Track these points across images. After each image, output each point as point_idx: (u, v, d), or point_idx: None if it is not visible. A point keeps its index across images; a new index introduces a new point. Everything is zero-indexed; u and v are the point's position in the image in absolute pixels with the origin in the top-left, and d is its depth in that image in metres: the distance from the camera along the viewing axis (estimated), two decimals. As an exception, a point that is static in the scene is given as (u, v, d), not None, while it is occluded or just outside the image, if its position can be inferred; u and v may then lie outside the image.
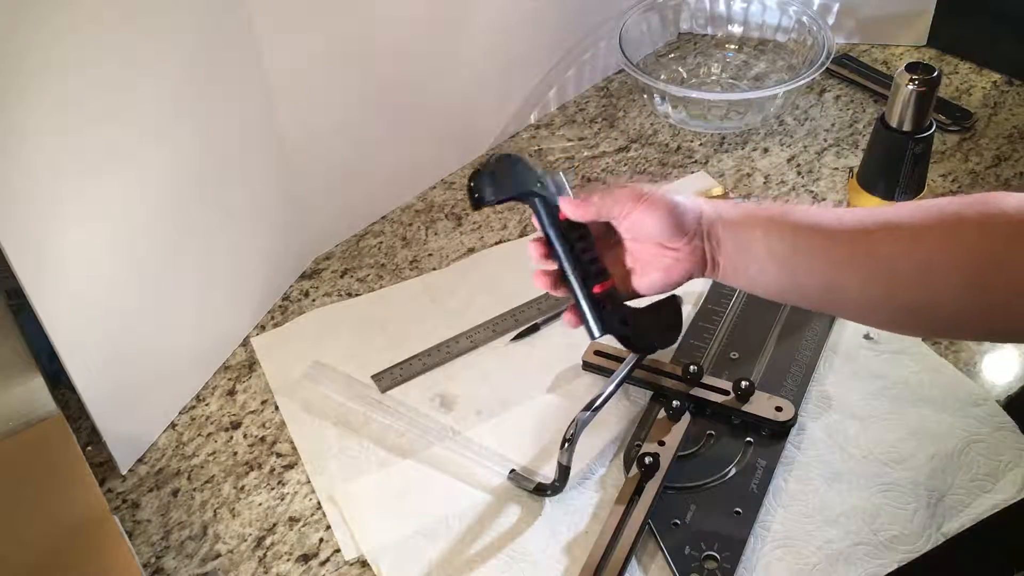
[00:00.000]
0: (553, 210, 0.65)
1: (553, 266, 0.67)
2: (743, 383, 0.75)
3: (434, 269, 0.93)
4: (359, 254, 0.96)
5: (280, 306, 0.91)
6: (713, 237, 0.63)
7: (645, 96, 1.10)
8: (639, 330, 0.67)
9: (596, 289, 0.65)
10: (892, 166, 0.80)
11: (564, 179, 0.67)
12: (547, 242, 0.66)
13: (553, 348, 0.84)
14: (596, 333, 0.66)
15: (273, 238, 0.88)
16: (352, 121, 0.90)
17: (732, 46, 1.18)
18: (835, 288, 0.60)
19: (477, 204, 0.65)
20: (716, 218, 0.63)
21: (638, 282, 0.66)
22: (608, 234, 0.66)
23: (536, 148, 1.07)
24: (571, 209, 0.65)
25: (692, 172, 1.02)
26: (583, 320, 0.66)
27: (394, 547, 0.70)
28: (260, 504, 0.75)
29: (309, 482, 0.76)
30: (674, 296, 0.68)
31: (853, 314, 0.64)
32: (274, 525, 0.73)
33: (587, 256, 0.66)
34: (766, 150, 1.04)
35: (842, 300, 0.61)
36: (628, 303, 0.67)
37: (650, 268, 0.65)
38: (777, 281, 0.62)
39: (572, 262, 0.65)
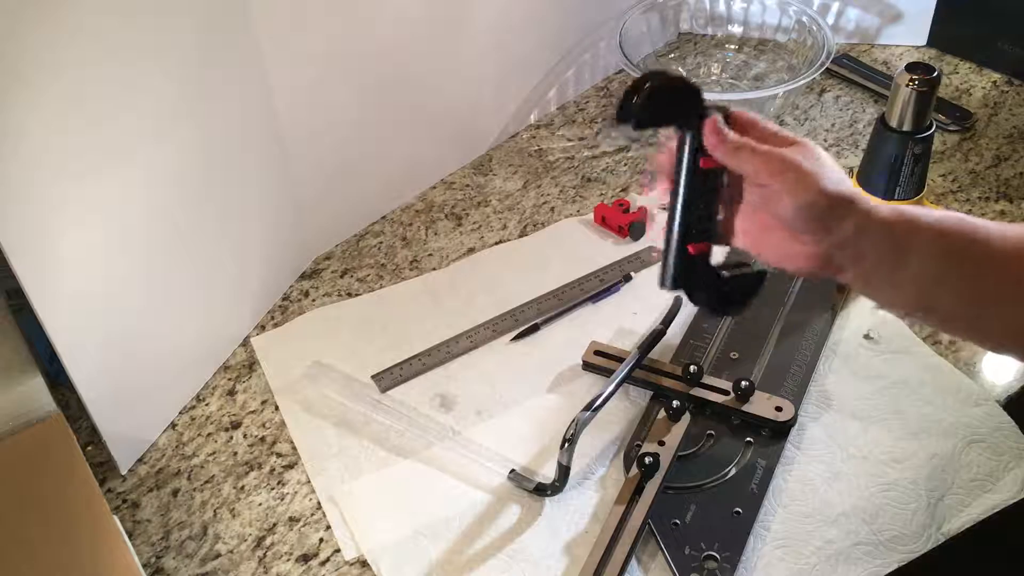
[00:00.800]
0: (697, 149, 0.58)
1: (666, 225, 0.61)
2: (743, 383, 0.75)
3: (434, 269, 0.93)
4: (359, 254, 0.96)
5: (280, 306, 0.91)
6: (855, 246, 0.55)
7: (645, 96, 1.09)
8: (712, 291, 0.62)
9: (691, 249, 0.60)
10: (892, 166, 0.80)
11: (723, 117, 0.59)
12: (675, 175, 0.59)
13: (553, 348, 0.84)
14: (665, 285, 0.61)
15: (273, 238, 0.88)
16: (352, 121, 0.90)
17: (732, 46, 1.18)
18: (975, 313, 0.55)
19: (630, 124, 0.57)
20: (869, 223, 0.54)
21: (758, 253, 0.60)
22: (740, 185, 0.59)
23: (536, 148, 1.07)
24: (717, 145, 0.56)
25: (692, 172, 1.02)
26: (662, 265, 0.61)
27: (394, 547, 0.70)
28: (260, 504, 0.75)
29: (309, 482, 0.76)
30: (760, 274, 0.62)
31: (986, 340, 0.58)
32: (274, 525, 0.73)
33: (702, 211, 0.59)
34: (766, 150, 1.04)
35: (978, 326, 0.57)
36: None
37: (766, 245, 0.58)
38: (914, 300, 0.56)
39: (683, 208, 0.59)
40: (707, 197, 0.60)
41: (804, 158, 0.55)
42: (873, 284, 0.56)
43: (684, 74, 0.58)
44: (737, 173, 0.58)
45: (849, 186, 0.55)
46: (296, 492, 0.75)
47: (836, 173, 0.55)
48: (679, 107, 0.58)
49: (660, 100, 0.57)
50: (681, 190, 0.59)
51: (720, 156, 0.57)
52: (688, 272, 0.61)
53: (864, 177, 0.83)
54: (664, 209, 0.61)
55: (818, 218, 0.54)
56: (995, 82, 1.10)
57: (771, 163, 0.55)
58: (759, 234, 0.59)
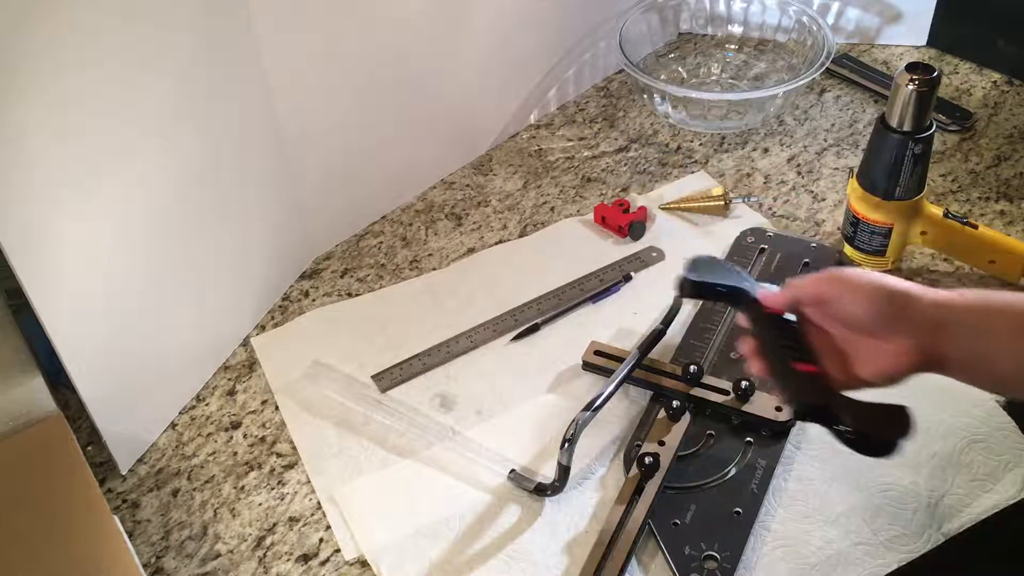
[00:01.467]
0: (758, 306, 0.66)
1: (761, 360, 0.65)
2: (743, 383, 0.75)
3: (434, 269, 0.93)
4: (359, 254, 0.96)
5: (280, 306, 0.91)
6: (941, 331, 0.56)
7: (645, 96, 1.10)
8: (855, 426, 0.62)
9: (798, 366, 0.62)
10: (892, 166, 0.80)
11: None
12: (756, 336, 0.65)
13: (553, 348, 0.84)
14: (793, 416, 0.64)
15: (273, 238, 0.88)
16: (352, 121, 0.90)
17: (732, 46, 1.18)
18: None
19: (684, 293, 0.68)
20: (942, 306, 0.56)
21: (858, 370, 0.61)
22: (824, 321, 0.63)
23: (536, 148, 1.07)
24: (769, 300, 0.64)
25: (692, 172, 1.02)
26: (788, 402, 0.65)
27: (394, 547, 0.70)
28: (260, 504, 0.75)
29: (309, 482, 0.76)
30: (903, 407, 0.62)
31: None
32: (274, 525, 0.73)
33: (791, 341, 0.64)
34: (766, 150, 1.04)
35: None
36: (851, 395, 0.62)
37: (863, 360, 0.60)
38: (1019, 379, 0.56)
39: (773, 344, 0.64)
40: (787, 331, 0.64)
41: (843, 270, 0.60)
42: (978, 368, 0.57)
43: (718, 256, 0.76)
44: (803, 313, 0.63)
45: (899, 281, 0.58)
46: (296, 492, 0.75)
47: (879, 274, 0.60)
48: (718, 276, 0.68)
49: (698, 288, 0.68)
50: (762, 336, 0.65)
51: (786, 307, 0.63)
52: (807, 391, 0.62)
53: (864, 177, 0.83)
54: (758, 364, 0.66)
55: (885, 312, 0.57)
56: (995, 82, 1.10)
57: (819, 284, 0.61)
58: (852, 353, 0.61)
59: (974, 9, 1.10)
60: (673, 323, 0.82)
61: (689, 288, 0.67)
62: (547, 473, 0.74)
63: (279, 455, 0.78)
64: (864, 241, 0.86)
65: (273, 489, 0.76)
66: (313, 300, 0.91)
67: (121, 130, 0.68)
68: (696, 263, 0.68)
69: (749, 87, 1.12)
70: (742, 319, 0.67)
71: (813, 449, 0.74)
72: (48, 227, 0.64)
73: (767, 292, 0.65)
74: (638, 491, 0.70)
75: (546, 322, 0.86)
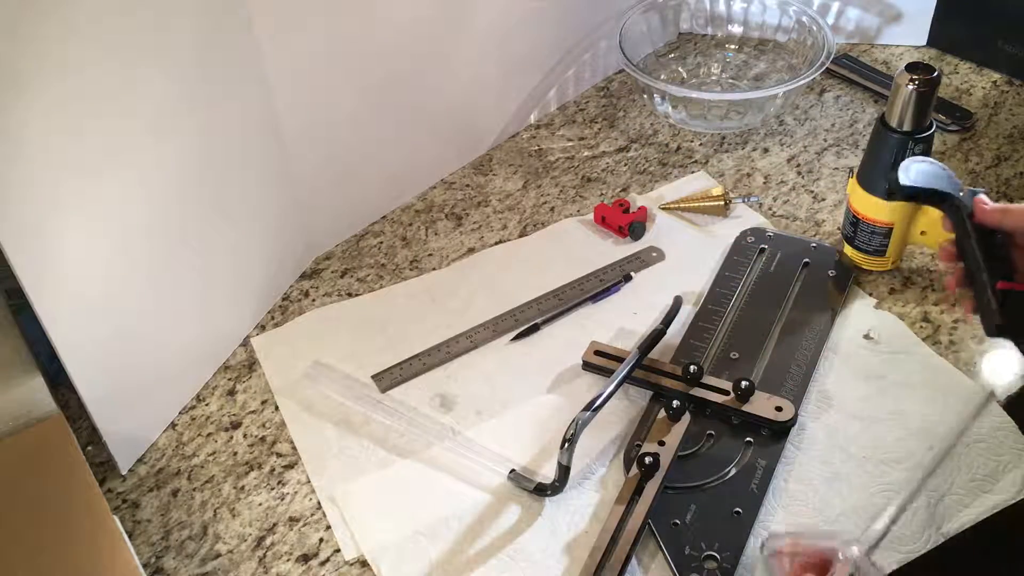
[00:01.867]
0: (967, 215, 0.69)
1: (959, 265, 0.69)
2: (743, 383, 0.75)
3: (434, 269, 0.93)
4: (359, 254, 0.96)
5: (280, 306, 0.91)
6: None
7: (645, 96, 1.10)
8: None
9: (1000, 284, 0.65)
10: (892, 166, 0.80)
11: (981, 193, 0.70)
12: (959, 245, 0.69)
13: (553, 348, 0.84)
14: (992, 328, 0.66)
15: (273, 238, 0.88)
16: (352, 121, 0.90)
17: (732, 46, 1.18)
18: None
19: (897, 191, 0.72)
20: None
21: None
22: None
23: (536, 148, 1.07)
24: (986, 213, 0.67)
25: (692, 172, 1.02)
26: (981, 314, 0.67)
27: (394, 547, 0.70)
28: (260, 504, 0.75)
29: (309, 482, 0.76)
30: None
31: None
32: (274, 525, 0.73)
33: (993, 252, 0.67)
34: (766, 150, 1.04)
35: None
36: None
37: None
38: None
39: (981, 259, 0.67)
40: (991, 241, 0.68)
41: None
42: None
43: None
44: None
45: None
46: (296, 492, 0.75)
47: None
48: (930, 193, 0.72)
49: (910, 191, 0.72)
50: (968, 245, 0.68)
51: (989, 221, 0.67)
52: (1009, 308, 0.65)
53: (864, 177, 0.83)
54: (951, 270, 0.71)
55: None
56: (995, 82, 1.10)
57: None
58: None
59: (974, 9, 1.10)
60: (673, 323, 0.82)
61: (902, 191, 0.72)
62: (547, 473, 0.74)
63: (279, 455, 0.78)
64: (864, 241, 0.86)
65: (273, 489, 0.76)
66: (313, 300, 0.91)
67: (121, 130, 0.68)
68: (911, 167, 0.71)
69: (749, 87, 1.12)
70: (948, 224, 0.70)
71: (813, 449, 0.74)
72: (48, 227, 0.64)
73: (982, 202, 0.67)
74: (638, 491, 0.70)
75: (546, 322, 0.86)
